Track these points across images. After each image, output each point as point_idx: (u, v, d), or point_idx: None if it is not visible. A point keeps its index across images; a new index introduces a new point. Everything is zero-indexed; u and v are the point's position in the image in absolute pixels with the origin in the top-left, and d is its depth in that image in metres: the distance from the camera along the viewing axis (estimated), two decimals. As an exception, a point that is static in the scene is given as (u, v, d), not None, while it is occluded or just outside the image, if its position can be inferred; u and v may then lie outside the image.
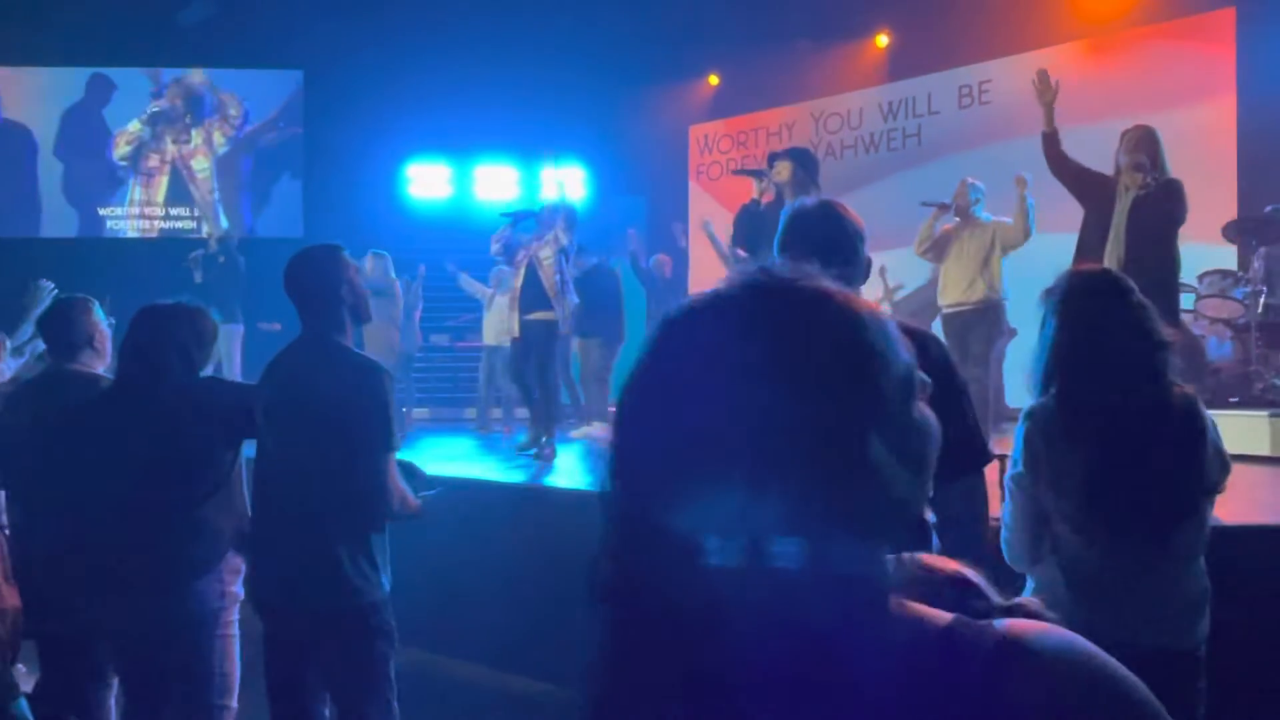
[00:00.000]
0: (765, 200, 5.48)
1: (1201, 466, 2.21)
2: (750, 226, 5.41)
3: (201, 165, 11.97)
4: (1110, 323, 2.24)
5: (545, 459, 6.23)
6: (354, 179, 11.15)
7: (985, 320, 6.00)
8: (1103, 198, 4.74)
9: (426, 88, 10.60)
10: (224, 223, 11.02)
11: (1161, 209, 4.57)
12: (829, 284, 0.76)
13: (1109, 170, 4.81)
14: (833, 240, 2.13)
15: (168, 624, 2.80)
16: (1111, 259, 4.55)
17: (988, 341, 6.00)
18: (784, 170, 5.19)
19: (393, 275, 8.52)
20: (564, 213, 6.48)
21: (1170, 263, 4.61)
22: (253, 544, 2.85)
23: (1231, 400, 6.21)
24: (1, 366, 4.08)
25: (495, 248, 6.60)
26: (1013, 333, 6.33)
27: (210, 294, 7.52)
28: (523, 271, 6.32)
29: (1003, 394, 6.60)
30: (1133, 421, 2.18)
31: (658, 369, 0.76)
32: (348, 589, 2.69)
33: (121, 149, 11.85)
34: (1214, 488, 2.25)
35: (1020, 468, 2.27)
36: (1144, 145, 4.62)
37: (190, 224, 11.86)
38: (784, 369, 0.71)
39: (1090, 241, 4.75)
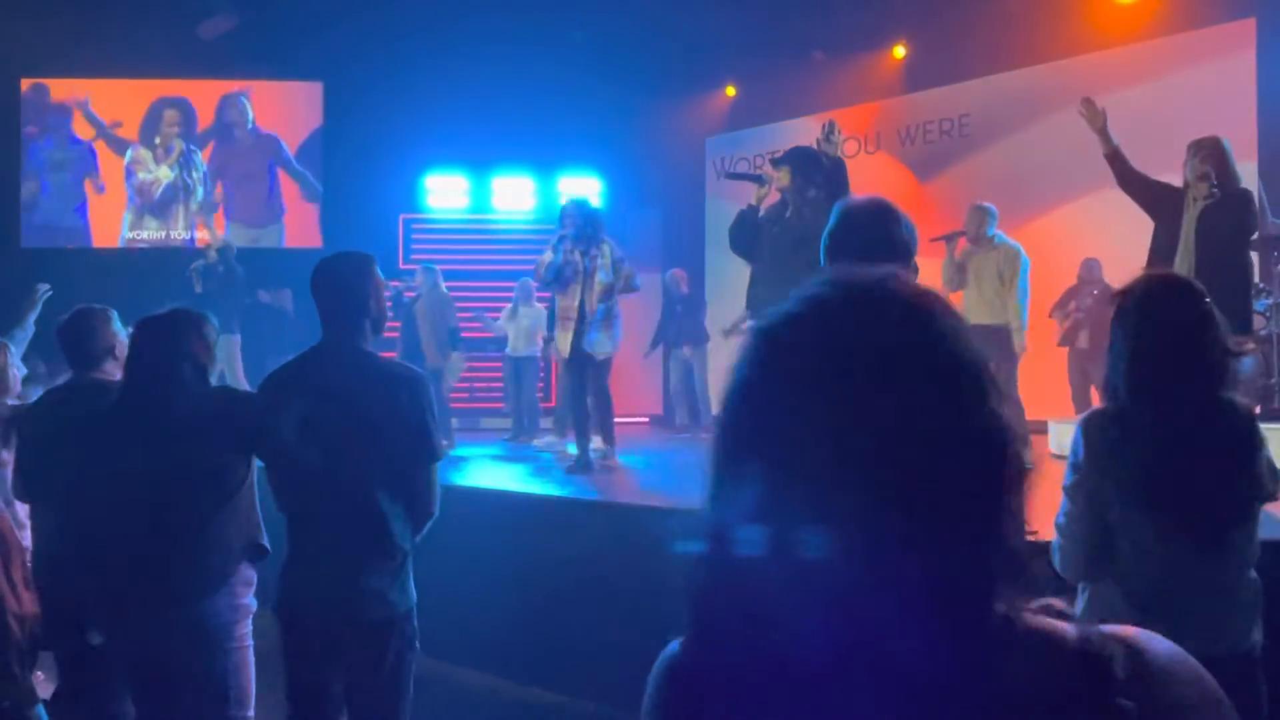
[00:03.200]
0: (765, 205, 5.39)
1: (1256, 475, 2.24)
2: (746, 232, 5.30)
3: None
4: (1177, 328, 2.24)
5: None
6: (372, 189, 11.22)
7: (990, 344, 5.98)
8: (1172, 210, 4.79)
9: (444, 99, 10.65)
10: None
11: (1231, 218, 4.63)
12: (916, 285, 0.76)
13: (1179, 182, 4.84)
14: (885, 239, 2.11)
15: (180, 638, 2.79)
16: (1182, 269, 4.57)
17: (997, 366, 5.98)
18: (784, 177, 5.16)
19: (443, 287, 8.77)
20: (598, 222, 6.52)
21: (1242, 270, 4.70)
22: (288, 555, 2.79)
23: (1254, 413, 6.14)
24: (14, 373, 4.04)
25: (544, 279, 6.49)
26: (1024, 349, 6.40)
27: (209, 304, 7.51)
28: (579, 292, 6.37)
29: (1023, 413, 6.59)
30: (1190, 426, 2.19)
31: (768, 381, 0.75)
32: (388, 599, 2.71)
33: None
34: (1268, 496, 2.28)
35: (1078, 474, 2.26)
36: (1211, 156, 4.68)
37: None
38: (905, 375, 0.70)
39: (1161, 254, 4.80)
